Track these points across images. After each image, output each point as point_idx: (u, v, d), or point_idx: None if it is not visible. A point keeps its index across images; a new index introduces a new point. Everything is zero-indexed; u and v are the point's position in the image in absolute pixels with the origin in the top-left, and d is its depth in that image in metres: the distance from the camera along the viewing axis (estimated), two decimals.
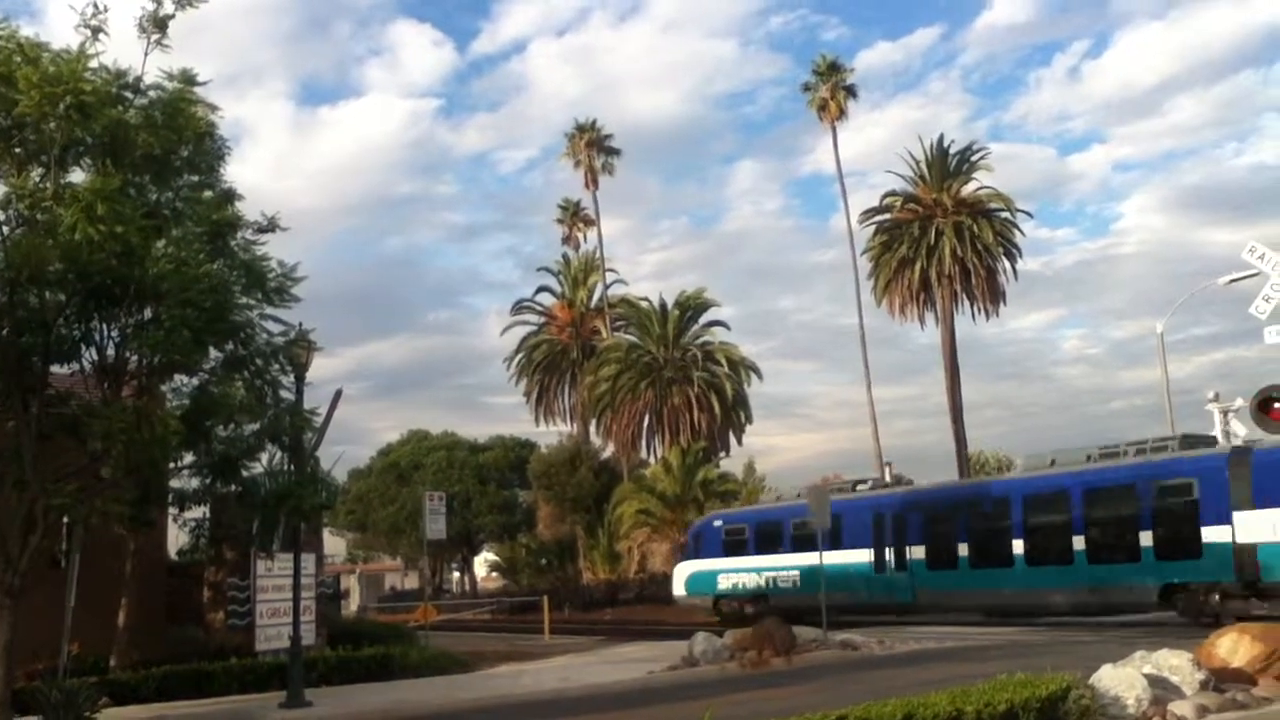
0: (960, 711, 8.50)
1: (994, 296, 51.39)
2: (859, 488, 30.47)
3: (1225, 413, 31.27)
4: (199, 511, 17.71)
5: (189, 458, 15.38)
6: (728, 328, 54.20)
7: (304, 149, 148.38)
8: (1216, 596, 20.79)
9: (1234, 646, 11.93)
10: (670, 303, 52.55)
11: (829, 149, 53.81)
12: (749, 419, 52.50)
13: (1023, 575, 24.26)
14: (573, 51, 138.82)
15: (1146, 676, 10.31)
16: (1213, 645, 12.17)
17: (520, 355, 61.29)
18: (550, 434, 62.53)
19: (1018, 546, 24.43)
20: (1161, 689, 10.36)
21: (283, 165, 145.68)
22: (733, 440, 52.01)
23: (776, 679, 16.67)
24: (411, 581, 74.88)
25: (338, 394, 19.91)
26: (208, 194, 15.01)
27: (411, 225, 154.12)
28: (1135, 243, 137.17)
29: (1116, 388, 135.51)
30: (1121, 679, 10.15)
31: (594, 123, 57.70)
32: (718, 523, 32.69)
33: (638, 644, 24.84)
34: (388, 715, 14.52)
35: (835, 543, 26.44)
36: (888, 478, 33.31)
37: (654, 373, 49.96)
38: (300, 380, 15.71)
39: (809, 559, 25.43)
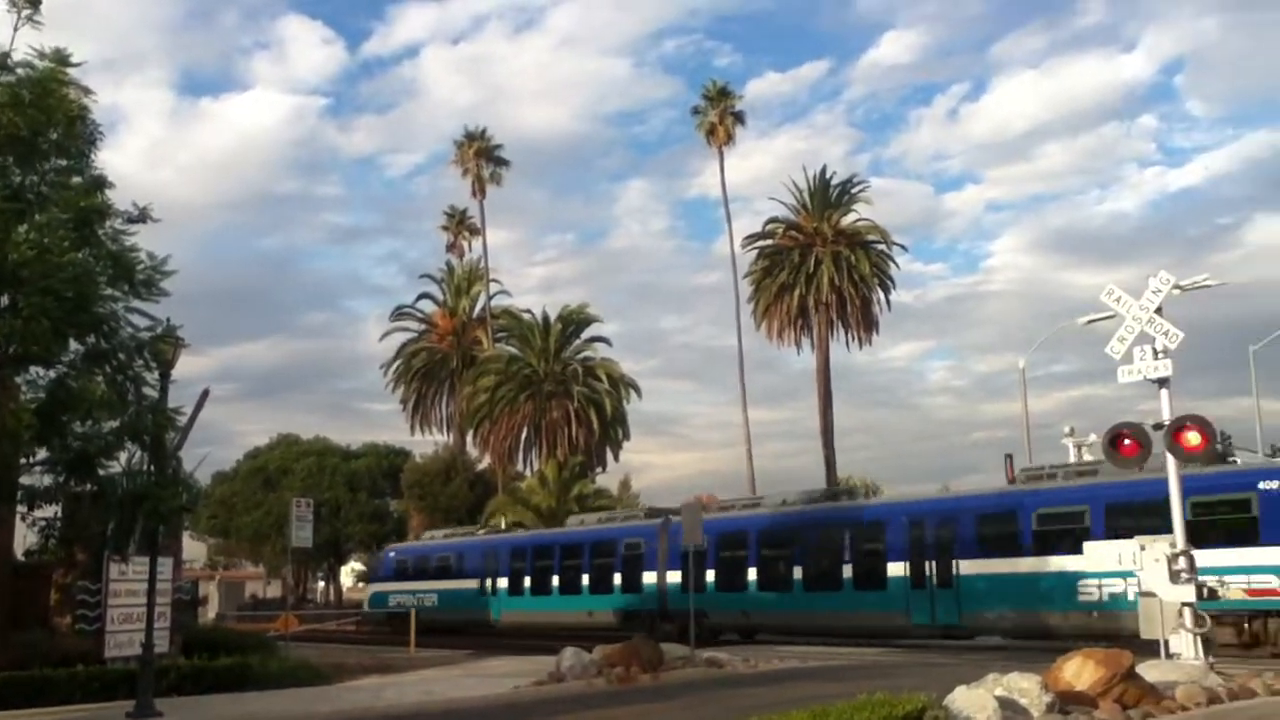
0: None
1: (868, 325, 52.77)
2: (479, 532, 40.14)
3: (1079, 447, 32.71)
4: (50, 510, 16.88)
5: (42, 453, 14.69)
6: (609, 344, 54.43)
7: (182, 140, 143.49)
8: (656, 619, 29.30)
9: (1079, 670, 12.45)
10: (553, 316, 52.48)
11: (716, 173, 54.71)
12: (627, 435, 52.75)
13: (578, 600, 31.97)
14: (466, 60, 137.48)
15: (997, 698, 10.69)
16: (1059, 669, 12.67)
17: (399, 362, 60.34)
18: (426, 443, 61.70)
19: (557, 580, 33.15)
20: (1011, 711, 10.75)
21: (159, 155, 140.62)
22: (609, 456, 52.19)
23: (642, 696, 16.73)
24: (274, 590, 72.65)
25: (204, 393, 19.30)
26: (76, 180, 14.44)
27: (292, 225, 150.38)
28: (1002, 280, 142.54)
29: (979, 419, 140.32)
30: (974, 700, 10.51)
31: (484, 132, 57.36)
32: (392, 554, 40.92)
33: (505, 658, 24.62)
34: None
35: (460, 574, 36.39)
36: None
37: (534, 386, 49.78)
38: (165, 377, 15.15)
39: (444, 584, 36.34)
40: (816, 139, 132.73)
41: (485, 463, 53.49)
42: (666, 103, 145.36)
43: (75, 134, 14.07)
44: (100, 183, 14.67)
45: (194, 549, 61.58)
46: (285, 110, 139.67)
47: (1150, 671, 13.62)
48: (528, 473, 50.87)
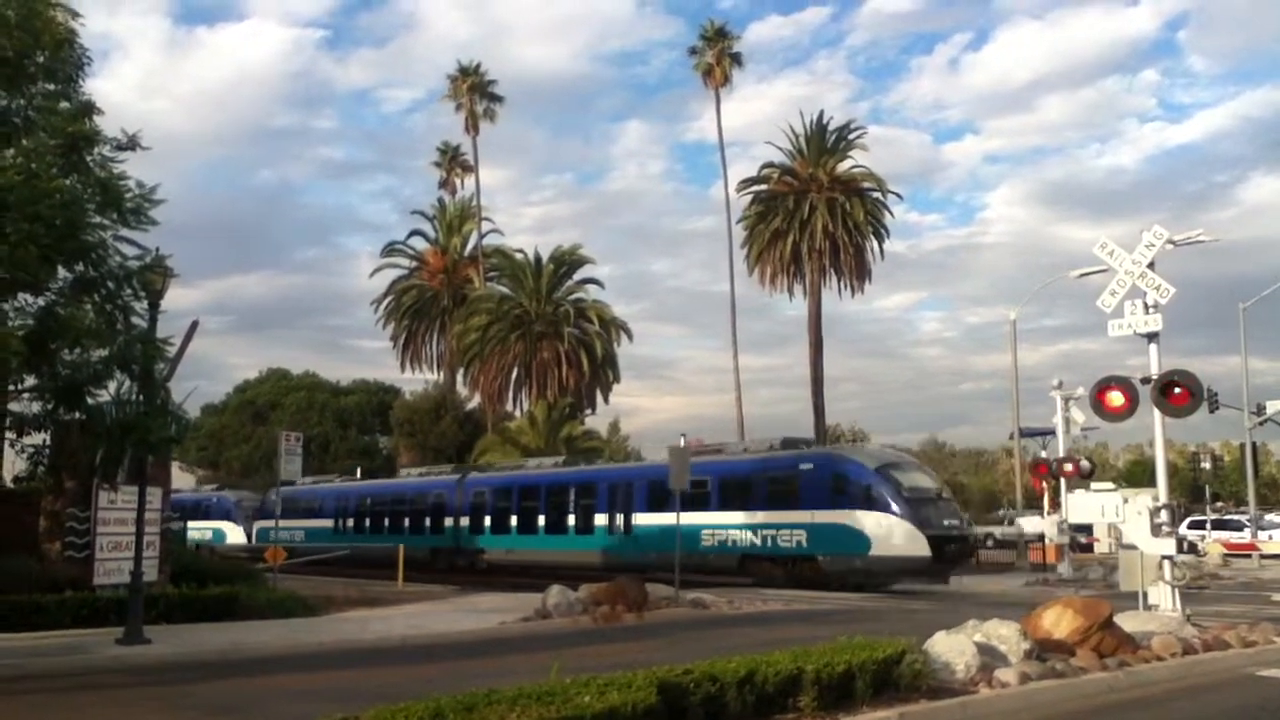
0: (801, 670, 8.77)
1: (861, 274, 52.73)
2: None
3: (1067, 400, 32.96)
4: (39, 438, 16.88)
5: (30, 380, 14.64)
6: (602, 286, 54.43)
7: (178, 70, 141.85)
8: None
9: (1057, 619, 12.63)
10: (545, 257, 52.28)
11: (715, 116, 54.18)
12: (617, 378, 52.89)
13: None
14: None
15: (977, 644, 10.83)
16: (1038, 617, 12.85)
17: (389, 299, 60.17)
18: (416, 381, 61.78)
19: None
20: (989, 656, 10.90)
21: (154, 85, 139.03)
22: (599, 398, 52.34)
23: (627, 634, 16.93)
24: None
25: (193, 325, 19.23)
26: (64, 105, 14.23)
27: (286, 159, 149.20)
28: (997, 233, 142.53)
29: (969, 370, 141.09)
30: (953, 646, 10.65)
31: (477, 66, 56.51)
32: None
33: (492, 594, 24.87)
34: (226, 656, 14.20)
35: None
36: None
37: (525, 326, 49.75)
38: (154, 307, 15.04)
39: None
40: (817, 85, 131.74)
41: (475, 402, 53.60)
42: (668, 43, 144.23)
43: (63, 58, 13.85)
44: (89, 108, 14.46)
45: (183, 480, 61.78)
46: (282, 41, 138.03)
47: (1128, 621, 13.83)
48: (517, 413, 51.03)
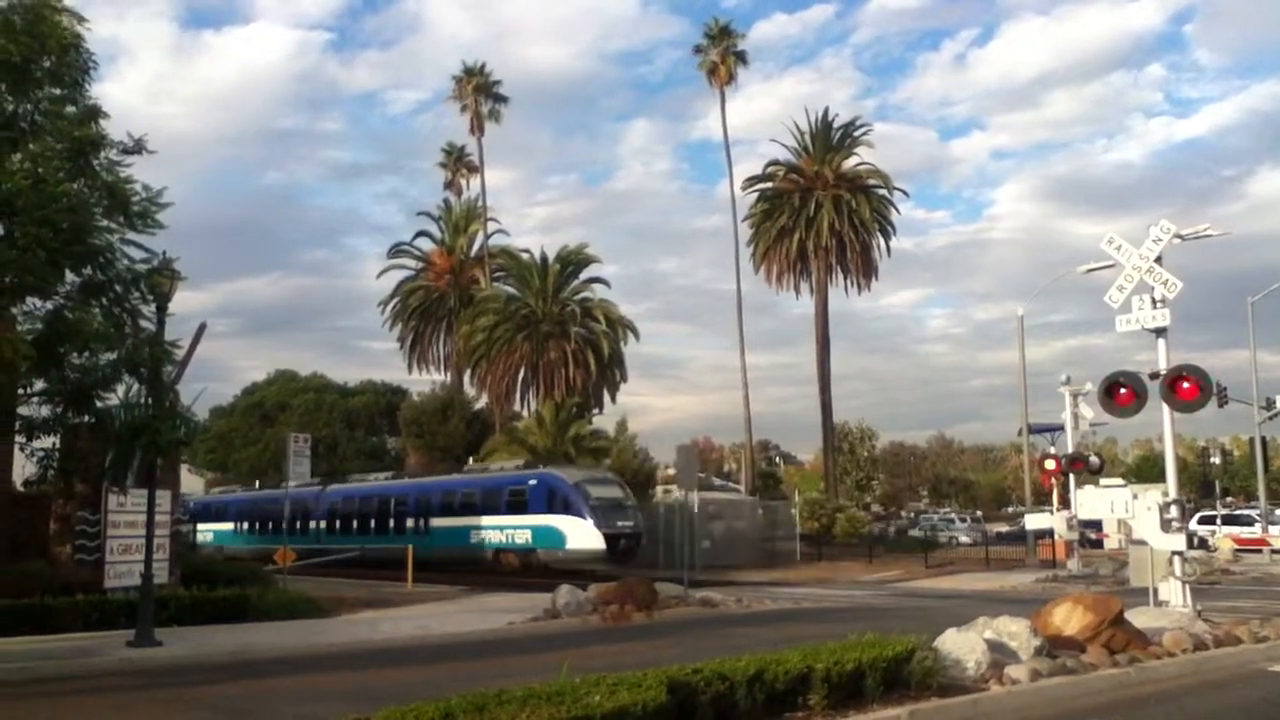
0: (810, 669, 8.77)
1: (867, 271, 52.61)
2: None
3: (1075, 395, 32.86)
4: (49, 441, 16.90)
5: (40, 384, 14.67)
6: (608, 285, 54.24)
7: (184, 74, 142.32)
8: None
9: (1068, 615, 12.61)
10: (552, 256, 52.23)
11: (720, 114, 54.08)
12: (624, 377, 52.78)
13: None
14: None
15: (987, 641, 10.81)
16: (1049, 614, 12.83)
17: (396, 300, 60.16)
18: (423, 382, 61.81)
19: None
20: (1000, 653, 10.88)
21: (161, 89, 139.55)
22: (607, 398, 52.25)
23: (636, 633, 16.93)
24: None
25: (201, 327, 19.30)
26: (70, 109, 14.23)
27: (293, 161, 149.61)
28: (1004, 229, 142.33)
29: (976, 367, 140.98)
30: (963, 643, 10.63)
31: (482, 67, 56.43)
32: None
33: (501, 595, 24.90)
34: (237, 657, 14.23)
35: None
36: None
37: (531, 326, 49.69)
38: (162, 310, 15.08)
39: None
40: (822, 82, 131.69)
41: (482, 402, 53.57)
42: (672, 42, 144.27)
43: (69, 62, 13.85)
44: (95, 112, 14.47)
45: (192, 483, 61.98)
46: (289, 44, 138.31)
47: (1138, 618, 13.81)
48: (525, 413, 50.97)
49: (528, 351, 49.37)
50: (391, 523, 39.64)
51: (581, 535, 32.59)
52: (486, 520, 35.68)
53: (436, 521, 37.50)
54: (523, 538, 34.36)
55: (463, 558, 34.54)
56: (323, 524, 42.39)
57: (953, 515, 70.33)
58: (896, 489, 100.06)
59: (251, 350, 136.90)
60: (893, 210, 52.82)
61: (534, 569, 33.28)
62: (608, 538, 32.42)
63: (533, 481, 35.02)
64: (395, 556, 32.29)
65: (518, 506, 34.79)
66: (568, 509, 33.32)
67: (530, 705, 6.96)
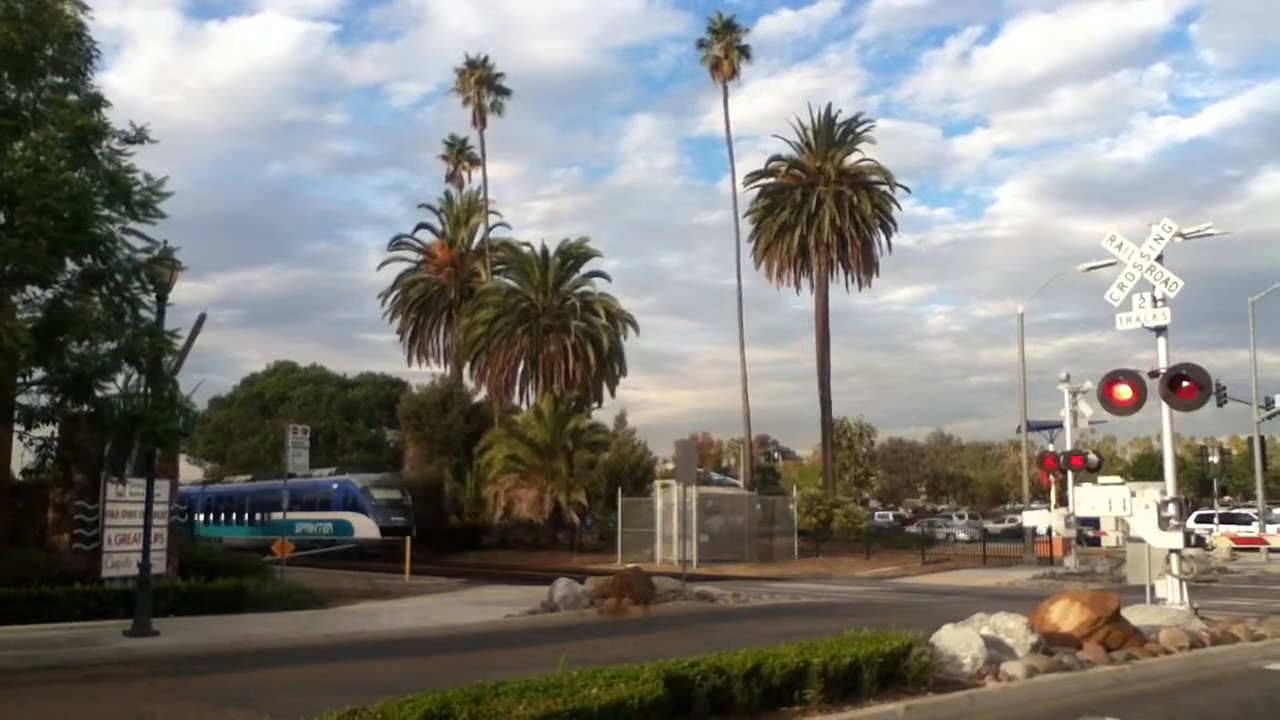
0: (807, 664, 8.77)
1: (868, 267, 52.58)
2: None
3: (1075, 393, 32.84)
4: (47, 430, 16.90)
5: (39, 373, 14.66)
6: (609, 279, 54.21)
7: (189, 65, 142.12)
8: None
9: (1065, 612, 12.61)
10: (552, 250, 52.18)
11: (723, 109, 53.98)
12: (623, 371, 52.73)
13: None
14: None
15: (984, 638, 10.82)
16: (1046, 610, 12.83)
17: (396, 292, 60.06)
18: (423, 374, 61.79)
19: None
20: (996, 650, 10.89)
21: (165, 79, 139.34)
22: (606, 392, 52.22)
23: (633, 627, 16.95)
24: None
25: (201, 318, 19.31)
26: (73, 98, 14.21)
27: (296, 153, 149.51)
28: (1006, 227, 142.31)
29: (975, 364, 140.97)
30: (960, 639, 10.63)
31: (485, 59, 56.23)
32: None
33: (499, 587, 24.92)
34: (235, 648, 14.25)
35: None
36: None
37: (531, 319, 49.66)
38: (162, 300, 15.06)
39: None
40: (827, 79, 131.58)
41: (482, 395, 53.56)
42: (677, 37, 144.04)
43: (71, 51, 13.84)
44: (97, 101, 14.45)
45: (190, 473, 62.02)
46: (293, 36, 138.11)
47: (1135, 615, 13.81)
48: (524, 406, 50.96)
49: (527, 345, 49.33)
50: (246, 516, 49.74)
51: (364, 527, 43.42)
52: (306, 515, 45.09)
53: (274, 515, 44.10)
54: (327, 529, 44.58)
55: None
56: (200, 516, 52.43)
57: (964, 512, 70.37)
58: (894, 485, 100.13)
59: (251, 341, 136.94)
60: (894, 207, 52.82)
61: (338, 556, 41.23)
62: (382, 529, 42.64)
63: (335, 486, 45.58)
64: (256, 545, 37.32)
65: (325, 505, 45.35)
66: (355, 507, 44.27)
67: (527, 697, 6.96)
